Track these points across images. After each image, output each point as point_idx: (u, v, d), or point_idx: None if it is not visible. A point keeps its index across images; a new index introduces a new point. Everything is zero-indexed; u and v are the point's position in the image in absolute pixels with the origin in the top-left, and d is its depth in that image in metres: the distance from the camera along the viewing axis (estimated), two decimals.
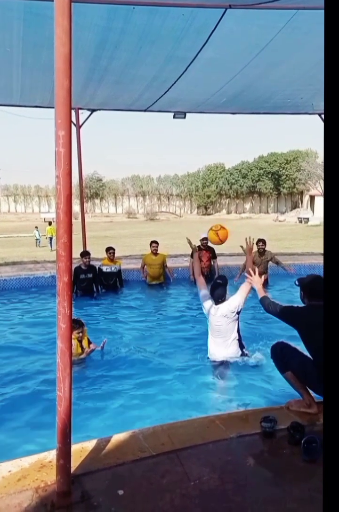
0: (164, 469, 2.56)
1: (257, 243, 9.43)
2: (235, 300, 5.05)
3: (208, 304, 5.20)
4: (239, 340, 5.11)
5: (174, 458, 2.67)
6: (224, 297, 5.13)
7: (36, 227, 24.28)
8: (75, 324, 5.24)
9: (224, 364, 4.93)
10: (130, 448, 2.77)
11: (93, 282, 8.98)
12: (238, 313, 5.04)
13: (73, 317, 5.41)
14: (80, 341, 5.33)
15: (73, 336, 5.20)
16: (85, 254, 8.86)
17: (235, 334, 5.06)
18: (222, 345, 5.01)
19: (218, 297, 5.11)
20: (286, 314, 3.45)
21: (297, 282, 3.58)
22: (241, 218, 54.32)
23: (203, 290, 5.32)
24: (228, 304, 5.06)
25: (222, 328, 5.02)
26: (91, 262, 9.11)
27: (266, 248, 9.48)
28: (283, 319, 3.48)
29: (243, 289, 5.08)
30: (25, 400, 4.28)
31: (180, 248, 15.05)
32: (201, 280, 5.42)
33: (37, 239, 23.40)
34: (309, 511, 2.22)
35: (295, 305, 3.47)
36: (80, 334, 5.30)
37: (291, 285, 7.77)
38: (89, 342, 5.48)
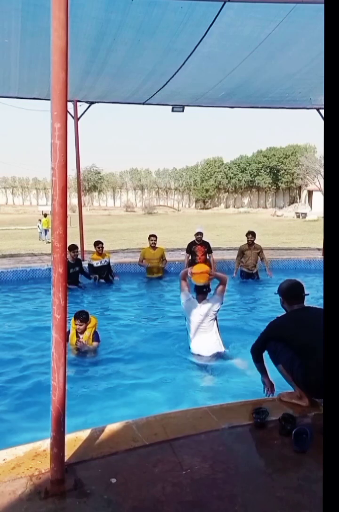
0: (156, 458, 2.60)
1: (246, 235, 9.70)
2: (216, 301, 5.21)
3: (190, 304, 5.23)
4: (219, 335, 5.23)
5: (166, 447, 2.71)
6: (209, 288, 5.27)
7: (40, 220, 24.20)
8: (78, 315, 5.26)
9: (213, 357, 5.00)
10: (123, 438, 2.80)
11: (78, 275, 9.08)
12: (217, 311, 5.19)
13: (83, 310, 5.41)
14: (79, 333, 5.31)
15: (72, 325, 5.23)
16: (73, 248, 8.82)
17: (215, 329, 5.19)
18: (205, 341, 5.08)
19: (203, 286, 5.21)
20: (273, 330, 3.46)
21: (276, 291, 3.63)
22: (239, 213, 54.41)
23: (185, 292, 5.32)
24: (211, 304, 5.19)
25: (205, 325, 5.10)
26: (86, 256, 9.22)
27: (255, 241, 9.72)
28: (273, 336, 3.46)
29: (220, 290, 5.27)
30: (20, 389, 4.33)
31: (178, 242, 15.11)
32: (184, 284, 5.37)
33: (40, 232, 23.30)
34: (297, 499, 2.26)
35: (275, 317, 3.51)
36: (80, 327, 5.27)
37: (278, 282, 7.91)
38: (94, 339, 5.36)
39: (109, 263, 9.55)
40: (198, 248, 9.90)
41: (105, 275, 9.39)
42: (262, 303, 8.09)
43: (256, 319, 6.72)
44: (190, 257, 10.02)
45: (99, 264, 9.31)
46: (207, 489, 2.33)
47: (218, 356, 5.02)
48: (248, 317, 7.08)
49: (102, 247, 9.47)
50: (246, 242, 9.76)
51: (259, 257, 9.73)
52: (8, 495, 2.28)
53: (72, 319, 5.31)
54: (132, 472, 2.48)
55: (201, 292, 5.22)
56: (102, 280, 9.28)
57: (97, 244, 9.44)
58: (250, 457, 2.67)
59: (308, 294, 3.55)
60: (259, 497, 2.28)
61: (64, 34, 2.15)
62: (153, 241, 9.76)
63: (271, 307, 7.52)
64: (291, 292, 3.53)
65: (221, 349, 5.12)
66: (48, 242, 19.50)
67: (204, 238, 10.05)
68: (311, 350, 3.08)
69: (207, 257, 10.03)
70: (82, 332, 5.30)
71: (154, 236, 9.84)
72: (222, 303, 5.25)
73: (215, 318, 5.21)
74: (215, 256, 10.68)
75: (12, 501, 2.25)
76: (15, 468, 2.51)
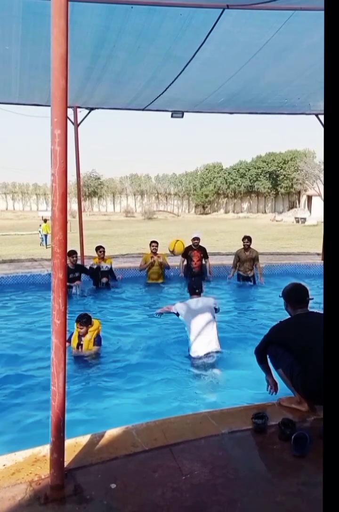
0: (156, 463, 2.60)
1: (243, 240, 9.85)
2: (209, 296, 5.49)
3: (185, 306, 5.35)
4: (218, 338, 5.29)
5: (166, 453, 2.71)
6: (201, 288, 5.49)
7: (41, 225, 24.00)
8: (79, 319, 5.28)
9: (213, 361, 5.02)
10: (123, 443, 2.80)
11: (79, 280, 9.00)
12: (216, 310, 5.34)
13: (85, 313, 5.40)
14: (81, 335, 5.31)
15: (75, 326, 5.28)
16: (72, 253, 8.68)
17: (215, 331, 5.25)
18: (206, 343, 5.12)
19: (196, 287, 5.45)
20: (275, 333, 3.47)
21: (280, 294, 3.64)
22: (239, 218, 54.40)
23: (177, 305, 5.43)
24: (206, 299, 5.42)
25: (207, 328, 5.15)
26: (86, 262, 9.21)
27: (251, 246, 9.87)
28: (275, 339, 3.45)
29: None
30: (19, 395, 4.32)
31: None
32: (169, 307, 5.57)
33: (41, 238, 23.09)
34: (296, 504, 2.26)
35: (278, 321, 3.52)
36: (81, 330, 5.28)
37: (277, 288, 8.01)
38: (95, 343, 5.36)
39: (111, 268, 9.55)
40: (195, 253, 9.97)
41: (106, 280, 9.39)
42: (258, 306, 8.14)
43: (253, 323, 6.74)
44: (185, 262, 10.08)
45: (100, 269, 9.33)
46: (206, 494, 2.33)
47: (218, 360, 5.03)
48: (245, 320, 7.10)
49: (104, 252, 9.46)
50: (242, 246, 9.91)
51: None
52: (7, 501, 2.28)
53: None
54: (132, 477, 2.48)
55: (194, 292, 5.42)
56: (105, 279, 9.28)
57: (99, 248, 9.45)
58: (250, 462, 2.67)
59: (312, 299, 3.54)
60: (258, 502, 2.29)
61: (64, 41, 2.17)
62: (155, 247, 9.78)
63: (267, 310, 7.57)
64: (295, 296, 3.53)
65: (220, 351, 5.18)
66: (48, 247, 19.48)
67: (201, 243, 10.11)
68: (311, 355, 3.07)
69: (203, 262, 10.08)
70: (84, 335, 5.32)
71: (155, 242, 9.86)
72: (216, 299, 5.46)
73: (215, 319, 5.28)
74: (215, 261, 10.71)
75: (11, 506, 2.25)
76: (14, 474, 2.51)
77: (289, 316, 3.57)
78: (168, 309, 5.52)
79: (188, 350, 5.22)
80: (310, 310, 3.51)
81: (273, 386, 3.56)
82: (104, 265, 9.35)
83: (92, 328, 5.35)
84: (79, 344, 5.34)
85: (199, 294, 5.46)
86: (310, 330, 3.23)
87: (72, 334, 5.38)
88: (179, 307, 5.35)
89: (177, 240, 9.67)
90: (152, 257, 9.75)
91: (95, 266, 9.30)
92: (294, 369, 3.22)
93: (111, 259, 9.84)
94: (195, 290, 5.46)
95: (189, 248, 10.08)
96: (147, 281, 9.85)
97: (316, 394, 2.95)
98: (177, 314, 5.36)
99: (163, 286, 9.75)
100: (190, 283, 5.65)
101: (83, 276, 9.22)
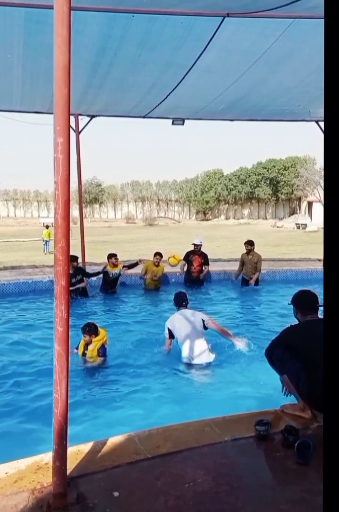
0: (159, 471, 2.59)
1: (245, 244, 10.02)
2: (202, 313, 5.61)
3: (173, 319, 5.47)
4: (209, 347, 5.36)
5: (169, 460, 2.70)
6: (187, 302, 5.64)
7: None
8: (83, 328, 5.32)
9: (213, 367, 5.05)
10: (125, 451, 2.79)
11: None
12: (205, 327, 5.37)
13: (89, 322, 5.41)
14: (86, 345, 5.35)
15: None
16: (72, 259, 8.62)
17: (204, 338, 5.32)
18: (197, 348, 5.17)
19: (182, 300, 5.62)
20: (284, 337, 3.45)
21: (289, 302, 3.62)
22: (240, 224, 54.45)
23: (166, 325, 5.52)
24: (193, 310, 5.58)
25: (195, 332, 5.24)
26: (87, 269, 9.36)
27: (252, 249, 9.97)
28: (284, 342, 3.42)
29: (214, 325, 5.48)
30: (22, 402, 4.31)
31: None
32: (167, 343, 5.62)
33: (44, 244, 22.76)
34: (300, 511, 2.25)
35: (289, 325, 3.51)
36: (86, 339, 5.31)
37: (282, 295, 8.03)
38: (99, 353, 5.37)
39: (120, 273, 9.67)
40: (195, 258, 10.00)
41: (116, 285, 9.57)
42: (259, 312, 8.15)
43: (255, 328, 6.72)
44: (186, 266, 10.09)
45: (113, 276, 9.47)
46: (210, 502, 2.32)
47: (219, 366, 5.03)
48: (247, 326, 7.07)
49: (117, 259, 9.59)
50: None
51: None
52: (10, 509, 2.27)
53: None
54: (135, 485, 2.47)
55: (181, 305, 5.58)
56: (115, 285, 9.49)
57: (113, 256, 9.55)
58: (253, 469, 2.66)
59: (322, 305, 3.49)
60: (262, 510, 2.27)
61: (67, 50, 2.18)
62: (158, 260, 9.84)
63: (269, 316, 7.56)
64: (305, 303, 3.50)
65: (212, 358, 5.22)
66: (49, 253, 19.42)
67: (202, 249, 10.13)
68: (318, 362, 3.03)
69: (203, 268, 10.09)
70: (89, 343, 5.35)
71: (160, 255, 9.91)
72: (206, 313, 5.58)
73: (203, 331, 5.34)
74: (216, 267, 10.71)
75: None
76: (17, 482, 2.50)
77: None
78: (168, 345, 5.57)
79: (182, 358, 5.27)
80: (320, 317, 3.47)
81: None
82: (112, 272, 9.43)
83: (96, 338, 5.35)
84: (84, 353, 5.37)
85: (186, 306, 5.61)
86: (319, 337, 3.17)
87: (79, 342, 5.44)
88: (169, 324, 5.46)
89: (173, 256, 9.99)
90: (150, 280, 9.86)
91: (110, 274, 9.40)
92: (301, 376, 3.20)
93: (121, 264, 9.90)
94: (182, 303, 5.62)
95: (190, 252, 10.12)
96: (145, 288, 9.89)
97: (322, 402, 2.90)
98: (170, 333, 5.42)
99: (161, 292, 9.78)
100: (176, 296, 5.77)
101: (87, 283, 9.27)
